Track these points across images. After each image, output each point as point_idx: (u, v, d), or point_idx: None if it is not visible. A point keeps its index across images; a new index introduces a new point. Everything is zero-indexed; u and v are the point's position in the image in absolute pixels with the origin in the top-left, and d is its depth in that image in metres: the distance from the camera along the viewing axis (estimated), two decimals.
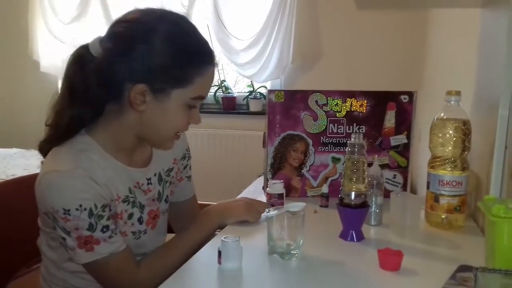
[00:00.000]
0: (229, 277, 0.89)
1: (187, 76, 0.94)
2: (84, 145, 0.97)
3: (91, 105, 0.96)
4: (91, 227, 0.92)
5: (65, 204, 0.90)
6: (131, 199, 1.04)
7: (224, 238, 0.91)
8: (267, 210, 1.04)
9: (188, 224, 1.17)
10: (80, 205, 0.90)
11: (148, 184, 1.08)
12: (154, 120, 0.97)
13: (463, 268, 0.87)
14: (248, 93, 3.59)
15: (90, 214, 0.92)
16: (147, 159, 1.10)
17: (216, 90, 3.64)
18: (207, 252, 1.00)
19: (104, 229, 0.94)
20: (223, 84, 3.63)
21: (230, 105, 3.59)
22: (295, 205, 0.99)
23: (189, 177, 1.27)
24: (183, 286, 0.85)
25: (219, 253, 0.90)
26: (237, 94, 3.65)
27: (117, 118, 0.98)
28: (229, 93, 3.63)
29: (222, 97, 3.60)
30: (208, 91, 1.02)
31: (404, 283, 0.86)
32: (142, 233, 1.07)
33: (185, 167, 1.24)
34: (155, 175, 1.11)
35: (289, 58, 3.33)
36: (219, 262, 0.90)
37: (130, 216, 1.04)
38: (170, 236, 1.18)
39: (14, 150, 3.23)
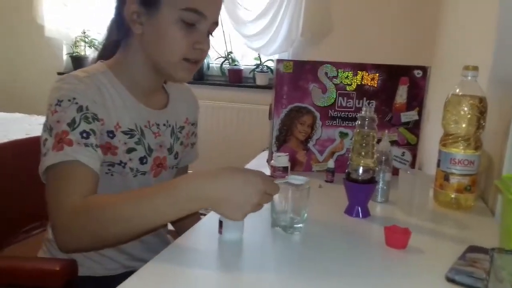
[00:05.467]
0: (229, 248, 0.86)
1: None
2: (98, 69, 1.01)
3: (113, 42, 1.06)
4: (72, 123, 0.89)
5: (60, 95, 0.91)
6: (136, 135, 1.03)
7: None
8: None
9: None
10: (74, 98, 0.91)
11: (157, 127, 1.09)
12: (154, 41, 0.97)
13: (473, 249, 0.84)
14: (255, 66, 3.53)
15: (80, 109, 0.91)
16: (162, 105, 1.13)
17: (223, 62, 3.58)
18: (208, 222, 0.97)
19: (84, 134, 0.90)
20: (229, 56, 3.56)
21: (236, 78, 3.54)
22: (296, 178, 0.96)
23: (193, 144, 1.29)
24: (182, 256, 0.83)
25: (220, 223, 0.87)
26: (243, 67, 3.59)
27: (126, 48, 1.03)
28: (235, 65, 3.57)
29: (228, 69, 3.55)
30: (205, 7, 0.95)
31: (411, 262, 0.83)
32: (140, 174, 1.05)
33: (192, 133, 1.27)
34: (169, 125, 1.12)
35: (298, 31, 3.26)
36: (220, 232, 0.88)
37: (130, 150, 1.02)
38: None
39: (17, 115, 3.21)
